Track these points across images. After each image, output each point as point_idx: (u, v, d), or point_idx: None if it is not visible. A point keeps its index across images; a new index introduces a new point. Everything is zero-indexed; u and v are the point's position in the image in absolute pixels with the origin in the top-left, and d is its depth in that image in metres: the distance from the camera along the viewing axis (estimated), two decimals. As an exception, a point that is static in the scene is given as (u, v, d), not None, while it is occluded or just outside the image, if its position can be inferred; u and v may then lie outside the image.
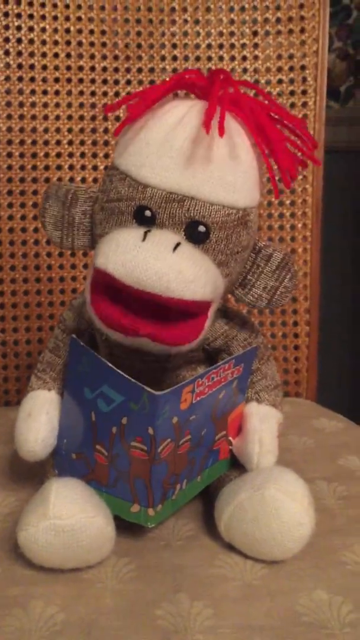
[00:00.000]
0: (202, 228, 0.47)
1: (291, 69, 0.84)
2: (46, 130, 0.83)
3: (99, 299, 0.47)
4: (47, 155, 0.83)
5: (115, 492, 0.50)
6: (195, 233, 0.47)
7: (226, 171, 0.47)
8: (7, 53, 0.81)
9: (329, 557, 0.50)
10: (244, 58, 0.84)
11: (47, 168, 0.83)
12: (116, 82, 0.84)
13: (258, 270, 0.52)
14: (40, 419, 0.53)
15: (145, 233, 0.45)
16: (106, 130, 0.84)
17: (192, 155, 0.46)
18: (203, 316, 0.47)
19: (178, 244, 0.45)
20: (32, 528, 0.46)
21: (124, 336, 0.47)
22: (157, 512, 0.50)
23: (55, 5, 0.81)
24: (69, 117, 0.83)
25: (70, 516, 0.46)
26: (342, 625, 0.44)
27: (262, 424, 0.53)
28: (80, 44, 0.82)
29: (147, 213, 0.47)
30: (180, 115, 0.47)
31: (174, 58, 0.84)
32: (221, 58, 0.84)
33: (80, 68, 0.83)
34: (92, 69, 0.83)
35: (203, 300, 0.46)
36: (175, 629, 0.43)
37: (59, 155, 0.83)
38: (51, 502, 0.46)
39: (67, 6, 0.82)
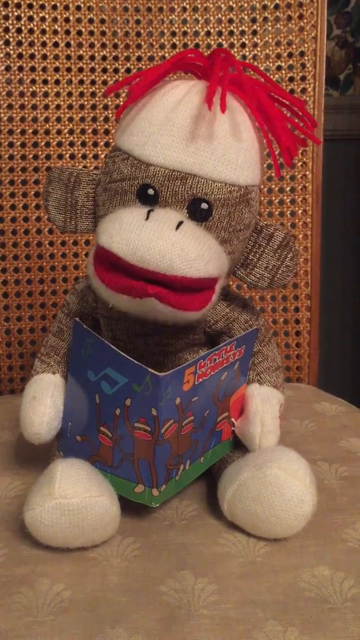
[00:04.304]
0: (204, 205, 0.47)
1: (290, 55, 0.84)
2: (47, 120, 0.83)
3: (103, 270, 0.46)
4: (48, 144, 0.83)
5: (120, 472, 0.51)
6: (198, 210, 0.48)
7: (228, 148, 0.47)
8: (7, 43, 0.81)
9: (330, 535, 0.51)
10: (243, 45, 0.84)
11: (48, 157, 0.84)
12: (116, 70, 0.84)
13: (260, 249, 0.53)
14: (45, 401, 0.53)
15: (149, 212, 0.46)
16: (106, 119, 0.84)
17: (194, 133, 0.46)
18: (210, 290, 0.47)
19: (181, 223, 0.45)
20: (39, 508, 0.47)
21: (131, 299, 0.45)
22: (161, 492, 0.50)
23: (54, -5, 0.82)
24: (70, 106, 0.83)
25: (75, 495, 0.47)
26: (344, 600, 0.44)
27: (264, 405, 0.54)
28: (79, 33, 0.83)
29: (150, 191, 0.48)
30: (181, 94, 0.48)
31: (173, 46, 0.84)
32: (220, 45, 0.84)
33: (80, 57, 0.83)
34: (92, 57, 0.83)
35: (207, 277, 0.46)
36: (180, 604, 0.44)
37: (59, 144, 0.84)
38: (57, 482, 0.47)
39: (66, -5, 0.82)
